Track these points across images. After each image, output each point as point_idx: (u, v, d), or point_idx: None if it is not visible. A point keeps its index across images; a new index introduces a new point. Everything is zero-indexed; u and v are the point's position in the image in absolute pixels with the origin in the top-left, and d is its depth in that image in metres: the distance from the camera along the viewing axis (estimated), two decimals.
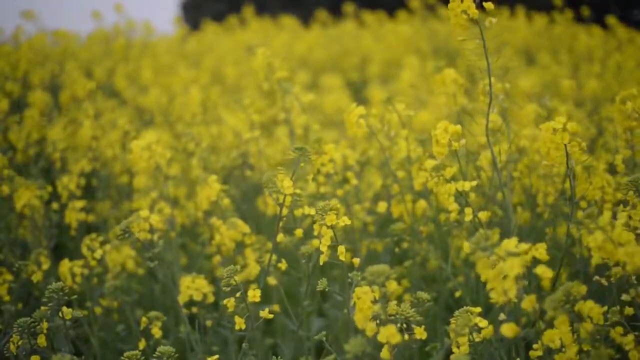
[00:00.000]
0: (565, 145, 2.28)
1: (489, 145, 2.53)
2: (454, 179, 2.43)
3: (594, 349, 1.85)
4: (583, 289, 1.86)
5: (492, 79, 2.44)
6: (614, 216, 2.10)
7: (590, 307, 1.86)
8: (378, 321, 1.85)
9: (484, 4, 2.28)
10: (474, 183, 2.41)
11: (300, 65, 7.80)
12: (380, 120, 3.03)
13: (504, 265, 1.77)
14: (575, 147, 2.29)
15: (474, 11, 2.28)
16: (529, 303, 1.81)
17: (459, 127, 2.39)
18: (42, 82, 4.98)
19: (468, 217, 2.41)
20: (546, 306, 1.83)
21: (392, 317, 1.97)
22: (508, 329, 1.80)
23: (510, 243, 1.80)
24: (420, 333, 2.01)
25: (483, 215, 2.45)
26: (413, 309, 2.03)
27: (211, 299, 2.69)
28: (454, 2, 2.30)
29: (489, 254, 1.79)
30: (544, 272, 1.85)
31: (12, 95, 4.68)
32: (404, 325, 2.00)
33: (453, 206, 2.43)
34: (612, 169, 2.93)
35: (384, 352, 1.90)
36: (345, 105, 5.13)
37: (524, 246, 1.81)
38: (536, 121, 3.25)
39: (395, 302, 1.98)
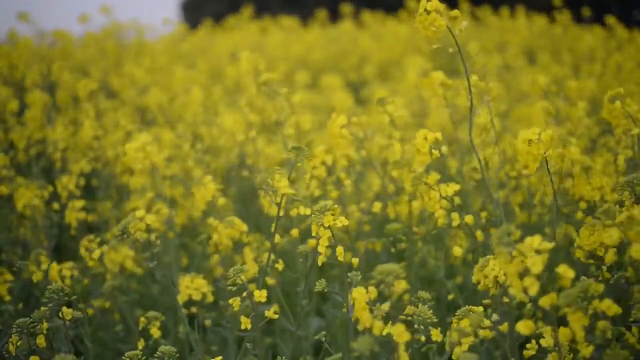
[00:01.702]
0: (543, 154, 2.26)
1: (473, 147, 2.52)
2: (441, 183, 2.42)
3: (610, 349, 1.82)
4: (600, 287, 1.82)
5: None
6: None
7: (608, 306, 1.81)
8: (391, 321, 1.84)
9: (451, 12, 2.29)
10: (457, 187, 2.40)
11: (300, 66, 7.80)
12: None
13: (528, 262, 1.71)
14: (552, 156, 2.28)
15: (440, 23, 2.28)
16: (548, 300, 1.74)
17: (438, 134, 2.38)
18: (44, 82, 4.98)
19: (455, 222, 2.41)
20: (560, 302, 1.76)
21: (408, 318, 1.98)
22: (524, 327, 1.75)
23: (535, 240, 1.75)
24: (436, 335, 2.01)
25: (469, 219, 2.45)
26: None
27: (210, 298, 2.69)
28: (421, 15, 2.29)
29: (511, 250, 1.75)
30: (565, 272, 1.77)
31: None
32: (421, 327, 2.00)
33: (439, 212, 2.43)
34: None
35: (402, 354, 1.87)
36: (345, 105, 5.16)
37: (547, 245, 1.75)
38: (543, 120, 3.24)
39: (393, 302, 1.98)
